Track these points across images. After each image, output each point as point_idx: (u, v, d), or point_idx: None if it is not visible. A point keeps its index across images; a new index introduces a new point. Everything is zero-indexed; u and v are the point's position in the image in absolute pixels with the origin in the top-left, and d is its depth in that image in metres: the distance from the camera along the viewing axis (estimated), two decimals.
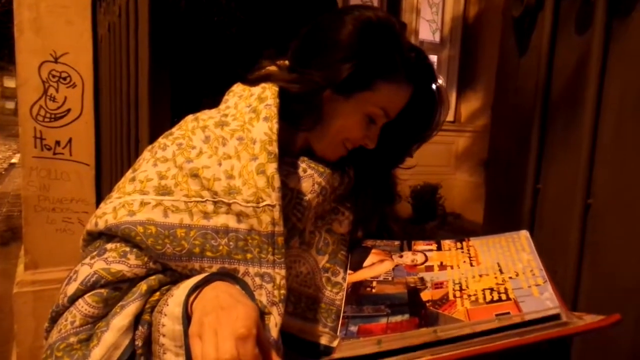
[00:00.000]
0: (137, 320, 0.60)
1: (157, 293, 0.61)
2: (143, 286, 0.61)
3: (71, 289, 0.60)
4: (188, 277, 0.62)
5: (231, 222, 0.63)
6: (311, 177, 0.71)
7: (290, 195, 0.70)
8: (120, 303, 0.60)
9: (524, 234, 0.71)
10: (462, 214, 4.64)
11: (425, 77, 0.74)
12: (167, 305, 0.57)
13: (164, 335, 0.56)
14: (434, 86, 0.75)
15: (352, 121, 0.71)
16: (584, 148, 0.69)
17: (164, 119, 1.18)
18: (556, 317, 0.53)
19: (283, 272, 0.64)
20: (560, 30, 0.76)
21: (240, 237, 0.63)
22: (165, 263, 0.62)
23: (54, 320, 0.62)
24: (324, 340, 0.71)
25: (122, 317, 0.58)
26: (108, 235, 0.63)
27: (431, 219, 4.29)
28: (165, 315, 0.56)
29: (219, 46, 1.62)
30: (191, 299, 0.55)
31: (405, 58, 0.69)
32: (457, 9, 4.93)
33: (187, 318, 0.54)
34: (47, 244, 1.89)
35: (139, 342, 0.59)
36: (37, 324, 1.84)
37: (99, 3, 1.82)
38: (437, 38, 5.04)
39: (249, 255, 0.64)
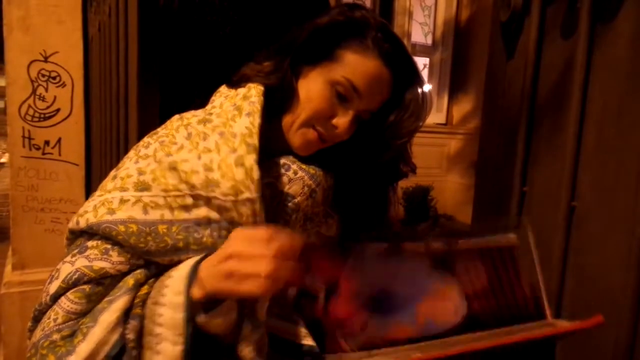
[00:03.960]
0: (126, 314, 0.59)
1: (146, 286, 0.61)
2: (130, 280, 0.60)
3: (53, 287, 0.60)
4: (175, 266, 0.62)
5: (212, 214, 0.64)
6: (301, 180, 0.71)
7: (279, 197, 0.70)
8: (108, 298, 0.59)
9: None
10: (453, 216, 4.66)
11: (400, 58, 0.71)
12: (164, 295, 0.57)
13: (161, 325, 0.56)
14: (412, 77, 0.72)
15: (316, 88, 0.69)
16: (568, 151, 0.69)
17: (153, 119, 1.17)
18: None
19: None
20: (546, 35, 0.77)
21: (223, 226, 0.64)
22: (150, 259, 0.62)
23: (37, 319, 0.62)
24: (308, 342, 0.71)
25: (110, 313, 0.58)
26: (89, 233, 0.63)
27: (423, 221, 4.31)
28: (164, 305, 0.56)
29: (213, 46, 1.62)
30: (193, 287, 0.56)
31: (374, 32, 0.68)
32: (449, 12, 4.96)
33: (189, 305, 0.55)
34: (35, 244, 1.87)
35: (131, 335, 0.58)
36: (24, 325, 1.82)
37: (89, 2, 1.81)
38: (429, 41, 5.07)
39: None
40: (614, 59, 0.65)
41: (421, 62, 4.95)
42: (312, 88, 0.69)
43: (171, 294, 0.56)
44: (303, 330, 0.70)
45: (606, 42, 0.66)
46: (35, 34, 1.80)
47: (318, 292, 0.64)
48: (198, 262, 0.59)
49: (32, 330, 0.62)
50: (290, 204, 0.70)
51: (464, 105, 4.91)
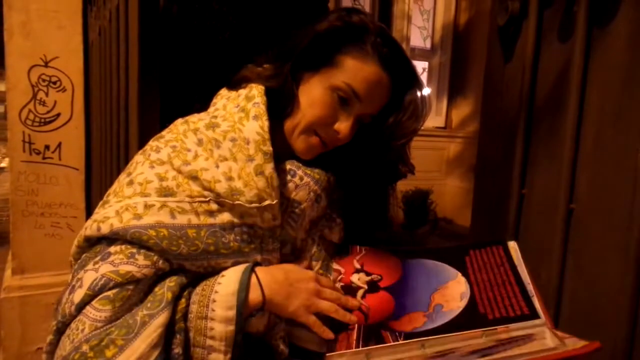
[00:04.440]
0: (169, 328, 0.60)
1: (183, 300, 0.62)
2: (168, 294, 0.60)
3: (78, 296, 0.58)
4: (202, 274, 0.65)
5: (235, 218, 0.66)
6: (307, 186, 0.72)
7: (285, 203, 0.71)
8: (147, 312, 0.58)
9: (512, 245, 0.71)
10: (453, 219, 4.66)
11: (399, 62, 0.71)
12: (214, 310, 0.61)
13: (212, 338, 0.60)
14: (411, 80, 0.74)
15: (318, 95, 0.70)
16: (566, 154, 0.70)
17: (153, 124, 1.18)
18: (542, 332, 0.55)
19: (278, 255, 0.71)
20: (544, 39, 0.77)
21: (245, 230, 0.67)
22: (181, 263, 0.63)
23: (59, 331, 0.60)
24: (312, 346, 0.71)
25: (152, 329, 0.57)
26: (110, 238, 0.62)
27: (423, 224, 4.31)
28: (214, 319, 0.61)
29: (212, 51, 1.63)
30: (249, 295, 0.63)
31: (373, 37, 0.69)
32: (448, 16, 4.98)
33: (240, 319, 0.61)
34: (35, 249, 1.87)
35: (179, 350, 0.60)
36: (24, 329, 1.82)
37: (90, 7, 1.82)
38: (428, 45, 5.08)
39: (252, 246, 0.68)
40: (611, 62, 0.66)
41: (420, 65, 4.96)
42: (313, 94, 0.70)
43: (221, 310, 0.61)
44: (309, 335, 0.71)
45: (603, 45, 0.67)
46: (36, 39, 1.80)
47: (359, 288, 0.72)
48: (247, 275, 0.64)
49: (53, 344, 0.60)
50: (297, 210, 0.71)
51: (463, 109, 4.92)
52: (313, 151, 0.73)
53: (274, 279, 0.66)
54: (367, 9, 4.53)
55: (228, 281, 0.63)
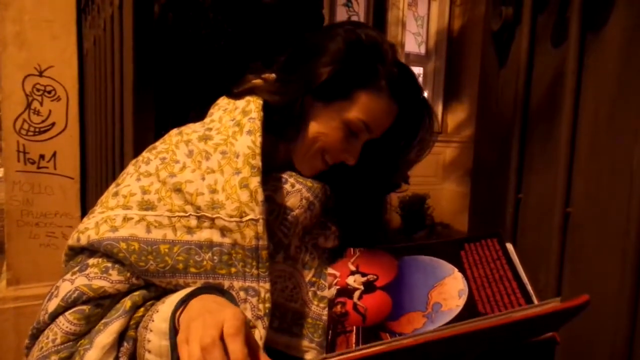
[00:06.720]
0: (121, 336, 0.59)
1: (142, 309, 0.61)
2: (127, 302, 0.60)
3: (52, 305, 0.59)
4: (172, 292, 0.61)
5: (215, 236, 0.63)
6: (299, 192, 0.71)
7: (277, 210, 0.70)
8: (104, 320, 0.59)
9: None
10: (450, 224, 4.67)
11: (410, 94, 0.73)
12: (153, 321, 0.56)
13: (149, 351, 0.56)
14: (422, 110, 0.74)
15: (330, 127, 0.70)
16: (562, 158, 0.70)
17: (148, 132, 1.18)
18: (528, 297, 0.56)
19: (267, 285, 0.64)
20: (538, 44, 0.78)
21: (225, 251, 0.63)
22: (148, 279, 0.62)
23: (34, 337, 0.61)
24: (309, 356, 0.70)
25: (106, 335, 0.58)
26: (90, 250, 0.62)
27: (420, 229, 4.32)
28: (151, 331, 0.56)
29: (207, 59, 1.63)
30: (178, 313, 0.55)
31: (388, 71, 0.69)
32: (442, 22, 5.02)
33: (174, 333, 0.54)
34: (30, 259, 1.86)
35: (123, 359, 0.58)
36: (19, 341, 1.81)
37: (84, 16, 1.82)
38: (422, 50, 5.12)
39: (233, 270, 0.63)
40: (605, 66, 0.66)
41: (415, 71, 4.99)
42: (326, 125, 0.70)
43: (159, 320, 0.56)
44: (306, 345, 0.70)
45: (596, 49, 0.67)
46: (30, 48, 1.80)
47: (355, 289, 0.71)
48: (193, 293, 0.58)
49: (29, 348, 0.61)
50: (289, 217, 0.70)
51: (458, 114, 4.94)
52: (317, 171, 0.73)
53: (189, 309, 0.55)
54: (362, 15, 4.56)
55: (179, 292, 0.59)
